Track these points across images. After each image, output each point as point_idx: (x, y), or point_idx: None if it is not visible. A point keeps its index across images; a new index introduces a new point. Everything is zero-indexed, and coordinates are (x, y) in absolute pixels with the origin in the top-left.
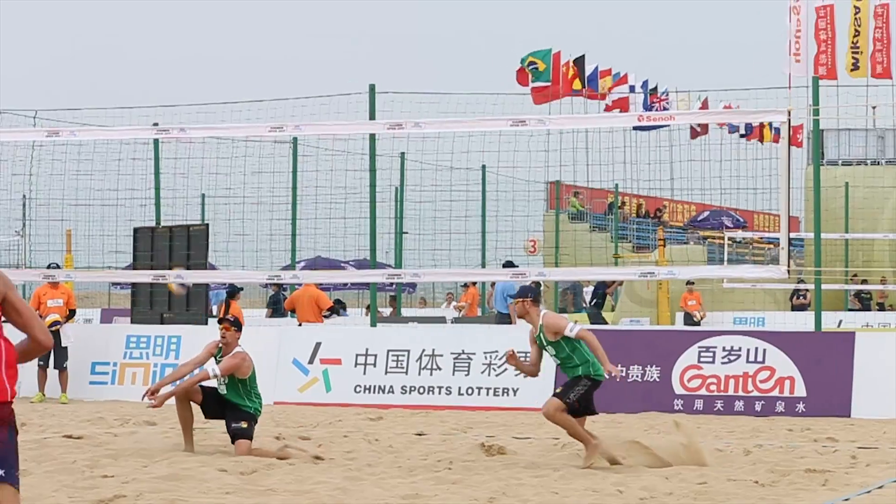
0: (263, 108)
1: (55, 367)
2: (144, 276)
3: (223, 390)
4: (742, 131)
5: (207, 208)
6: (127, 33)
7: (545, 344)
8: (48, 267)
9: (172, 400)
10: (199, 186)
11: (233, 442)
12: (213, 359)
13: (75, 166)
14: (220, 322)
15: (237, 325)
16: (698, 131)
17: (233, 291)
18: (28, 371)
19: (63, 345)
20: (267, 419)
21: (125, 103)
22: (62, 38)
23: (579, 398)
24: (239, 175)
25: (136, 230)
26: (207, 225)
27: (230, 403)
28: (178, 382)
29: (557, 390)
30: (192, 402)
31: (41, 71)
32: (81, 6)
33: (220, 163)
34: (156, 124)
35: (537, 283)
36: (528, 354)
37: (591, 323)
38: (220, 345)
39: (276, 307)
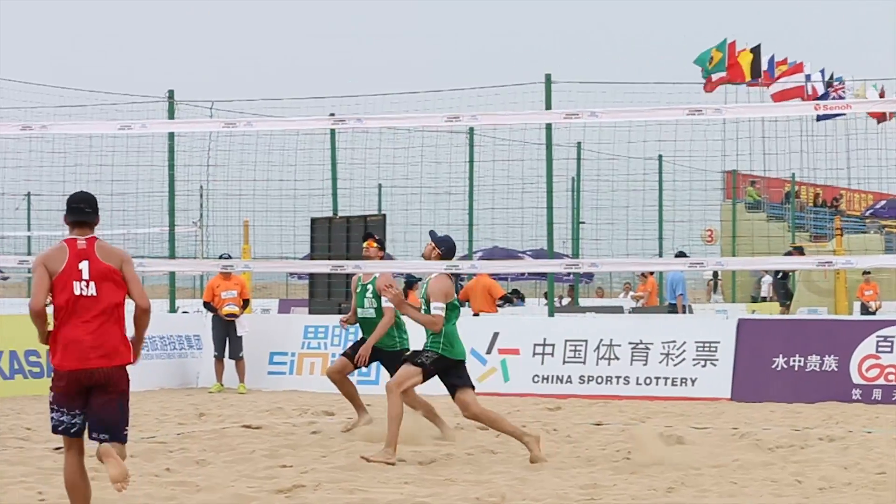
0: (439, 99)
1: (231, 358)
2: (322, 267)
3: (371, 313)
4: None
5: (384, 198)
6: (300, 25)
7: (424, 300)
8: (220, 257)
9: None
10: (376, 176)
11: None
12: (370, 299)
13: (252, 157)
14: (364, 239)
15: (381, 244)
16: (884, 118)
17: (410, 282)
18: (206, 362)
19: (238, 334)
20: (446, 409)
21: (301, 94)
22: (236, 31)
23: (434, 362)
24: (415, 165)
25: (313, 220)
26: (384, 215)
27: (381, 350)
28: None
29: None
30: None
31: (217, 62)
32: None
33: (396, 153)
34: (332, 114)
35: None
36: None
37: (779, 298)
38: (359, 277)
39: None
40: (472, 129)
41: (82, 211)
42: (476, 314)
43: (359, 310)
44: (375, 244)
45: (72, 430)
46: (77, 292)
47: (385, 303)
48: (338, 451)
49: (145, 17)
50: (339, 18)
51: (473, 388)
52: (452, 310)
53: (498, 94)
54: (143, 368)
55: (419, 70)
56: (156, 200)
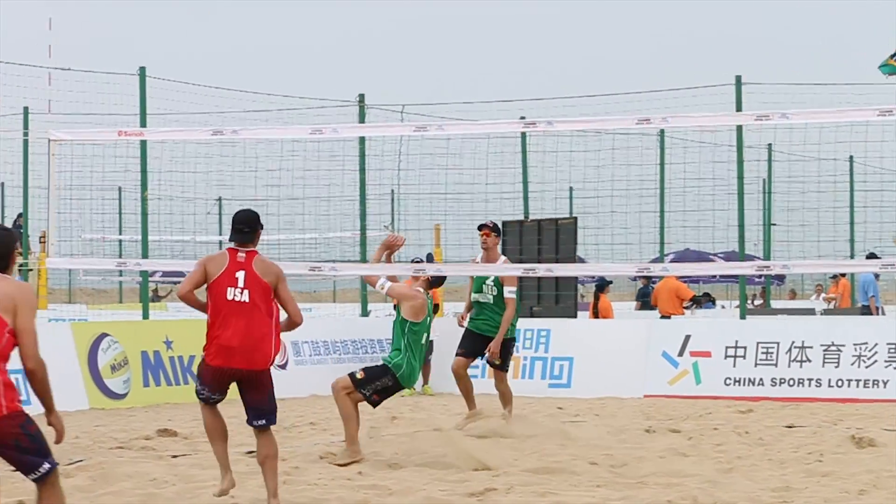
0: (629, 101)
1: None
2: (513, 270)
3: (489, 299)
4: None
5: (575, 201)
6: (488, 29)
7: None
8: (412, 261)
9: None
10: (568, 179)
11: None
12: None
13: (443, 160)
14: (480, 228)
15: (496, 230)
16: None
17: (602, 285)
18: None
19: (430, 338)
20: (637, 412)
21: (491, 97)
22: (426, 35)
23: (379, 392)
24: (606, 168)
25: (504, 224)
26: (576, 218)
27: (490, 338)
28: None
29: (359, 375)
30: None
31: (407, 66)
32: (448, 7)
33: (587, 155)
34: (522, 118)
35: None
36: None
37: None
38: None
39: (645, 300)
40: (662, 132)
41: (241, 231)
42: (665, 317)
43: (475, 294)
44: (492, 233)
45: (210, 401)
46: (230, 297)
47: (508, 294)
48: (530, 455)
49: (336, 23)
50: (527, 22)
51: (365, 398)
52: (418, 330)
53: (690, 96)
54: (337, 372)
55: (607, 72)
56: (347, 205)
